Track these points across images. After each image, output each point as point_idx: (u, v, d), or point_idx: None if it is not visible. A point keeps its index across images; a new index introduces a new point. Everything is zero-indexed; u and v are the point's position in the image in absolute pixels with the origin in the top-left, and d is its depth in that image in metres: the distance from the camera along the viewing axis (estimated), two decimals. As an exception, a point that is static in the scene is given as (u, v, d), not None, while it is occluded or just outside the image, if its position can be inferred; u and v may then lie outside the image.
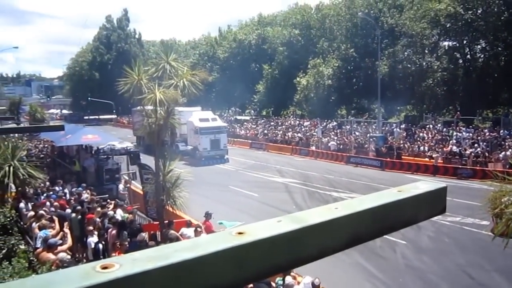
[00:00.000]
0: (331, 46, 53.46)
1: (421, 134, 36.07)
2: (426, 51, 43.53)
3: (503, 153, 27.01)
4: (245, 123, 56.50)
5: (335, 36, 52.85)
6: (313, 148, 38.66)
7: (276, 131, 47.04)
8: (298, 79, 53.48)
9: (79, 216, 13.05)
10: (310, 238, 0.84)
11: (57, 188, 17.47)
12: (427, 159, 30.81)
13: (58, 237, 10.90)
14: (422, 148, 32.68)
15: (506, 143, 29.31)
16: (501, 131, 32.89)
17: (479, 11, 39.55)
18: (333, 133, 41.39)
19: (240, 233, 0.79)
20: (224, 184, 26.22)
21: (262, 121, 56.39)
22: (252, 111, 69.80)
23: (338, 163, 34.18)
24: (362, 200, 0.97)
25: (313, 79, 50.70)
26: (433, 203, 1.07)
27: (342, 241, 0.90)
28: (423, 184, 1.08)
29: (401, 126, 40.06)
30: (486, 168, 24.43)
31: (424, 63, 42.76)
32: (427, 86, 41.36)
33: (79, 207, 13.80)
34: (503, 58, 39.31)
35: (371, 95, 41.79)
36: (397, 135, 36.18)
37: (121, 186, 21.44)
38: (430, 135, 35.40)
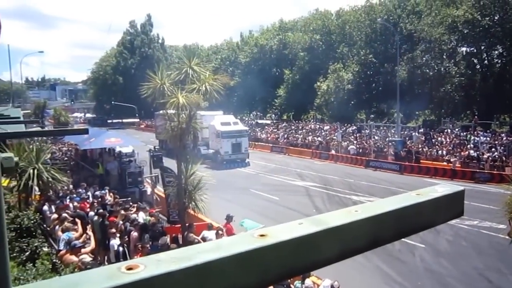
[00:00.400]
0: (351, 51, 54.13)
1: (439, 139, 36.37)
2: (444, 57, 43.94)
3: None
4: (266, 127, 56.46)
5: (355, 41, 53.57)
6: (333, 152, 38.69)
7: (297, 135, 47.06)
8: (318, 83, 54.12)
9: (101, 219, 13.10)
10: (331, 240, 0.85)
11: (80, 191, 17.62)
12: (445, 163, 30.92)
13: (81, 239, 10.85)
14: (440, 152, 32.88)
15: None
16: (518, 135, 32.94)
17: (496, 18, 39.93)
18: (352, 137, 41.52)
19: (262, 235, 0.80)
20: (245, 188, 26.40)
21: (283, 125, 56.49)
22: (273, 115, 70.04)
23: (358, 166, 34.31)
24: (381, 203, 0.99)
25: (333, 84, 51.36)
26: (451, 206, 1.08)
27: (362, 243, 0.91)
28: (441, 188, 1.09)
29: (420, 130, 40.19)
30: (504, 172, 24.81)
31: (442, 68, 43.24)
32: (445, 91, 41.75)
33: (101, 210, 13.81)
34: (520, 63, 39.60)
35: (390, 99, 42.35)
36: (415, 139, 36.27)
37: (149, 189, 21.75)
38: (448, 140, 35.69)
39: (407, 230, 1.01)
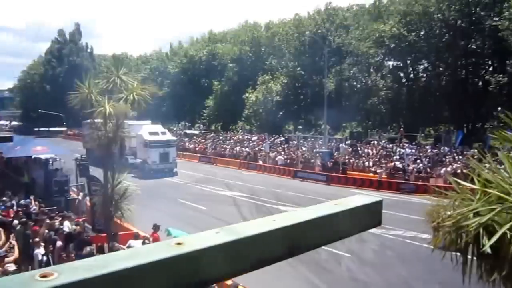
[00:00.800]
0: (279, 64, 53.98)
1: (366, 150, 36.80)
2: (372, 70, 44.65)
3: (443, 169, 27.78)
4: (194, 137, 56.72)
5: (284, 53, 53.39)
6: (261, 162, 39.09)
7: (225, 146, 47.28)
8: (247, 94, 53.79)
9: (24, 228, 12.90)
10: (247, 249, 0.85)
11: (5, 199, 17.23)
12: (371, 174, 31.46)
13: (4, 248, 10.82)
14: (367, 163, 33.48)
15: (447, 159, 30.20)
16: (442, 147, 33.95)
17: (421, 33, 41.05)
18: (280, 148, 41.79)
19: (179, 243, 0.79)
20: (172, 197, 26.36)
21: (211, 135, 56.64)
22: (202, 125, 70.02)
23: (285, 177, 34.65)
24: (299, 213, 0.99)
25: (262, 95, 51.13)
26: (369, 216, 1.11)
27: (279, 252, 0.91)
28: (360, 198, 1.12)
29: (347, 142, 40.77)
30: (428, 183, 24.86)
31: (369, 81, 43.73)
32: (372, 103, 42.26)
33: (24, 219, 13.59)
34: (444, 78, 40.75)
35: (318, 111, 42.35)
36: (342, 150, 36.69)
37: (79, 197, 21.99)
38: (374, 151, 36.14)
39: (325, 239, 1.03)
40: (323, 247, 1.01)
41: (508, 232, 3.78)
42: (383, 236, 17.29)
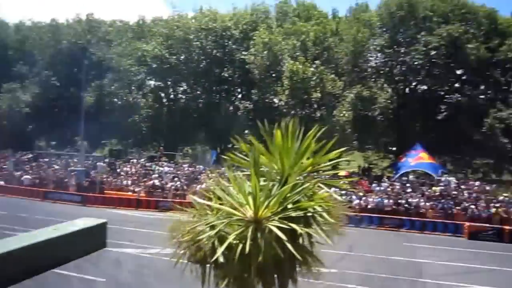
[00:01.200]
0: (31, 71, 48.73)
1: (125, 168, 36.26)
2: (133, 88, 44.59)
3: (199, 186, 29.09)
4: None
5: (36, 60, 48.57)
6: (3, 183, 34.74)
7: None
8: (-14, 104, 46.54)
9: None
10: None
11: None
12: (130, 193, 31.27)
13: None
14: (125, 182, 33.01)
15: (201, 177, 31.83)
16: (198, 166, 36.09)
17: (182, 57, 43.04)
18: (28, 166, 38.00)
19: None
20: None
21: None
22: None
23: (34, 199, 31.75)
24: (9, 241, 0.90)
25: (7, 105, 45.46)
26: (92, 239, 1.38)
27: None
28: (82, 221, 1.41)
29: (105, 160, 39.79)
30: (184, 200, 25.78)
31: (130, 99, 43.55)
32: (133, 121, 42.13)
33: None
34: (201, 101, 43.77)
35: (75, 126, 39.94)
36: (100, 169, 35.45)
37: None
38: (134, 169, 35.94)
39: (39, 267, 0.93)
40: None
41: (235, 241, 4.10)
42: (141, 256, 17.25)
